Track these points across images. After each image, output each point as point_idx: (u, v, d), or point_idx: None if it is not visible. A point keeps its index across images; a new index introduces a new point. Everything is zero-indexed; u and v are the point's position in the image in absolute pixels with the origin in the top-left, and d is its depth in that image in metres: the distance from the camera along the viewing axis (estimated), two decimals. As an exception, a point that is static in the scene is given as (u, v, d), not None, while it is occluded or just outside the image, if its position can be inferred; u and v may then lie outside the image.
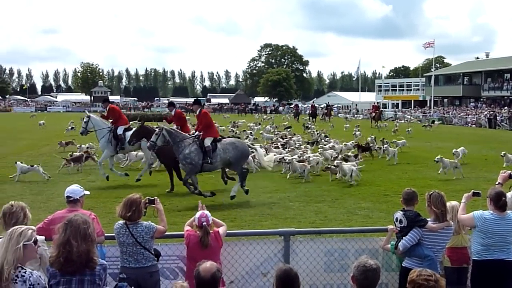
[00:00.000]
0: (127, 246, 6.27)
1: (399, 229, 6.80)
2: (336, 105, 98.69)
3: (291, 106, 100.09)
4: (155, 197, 6.89)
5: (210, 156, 15.45)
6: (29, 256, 4.61)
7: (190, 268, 6.39)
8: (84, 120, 20.03)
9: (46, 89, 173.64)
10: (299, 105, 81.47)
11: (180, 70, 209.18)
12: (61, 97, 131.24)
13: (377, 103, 70.69)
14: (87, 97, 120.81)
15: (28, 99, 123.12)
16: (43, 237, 5.46)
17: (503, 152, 22.95)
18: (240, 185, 15.96)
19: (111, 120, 19.83)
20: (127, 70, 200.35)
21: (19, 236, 4.48)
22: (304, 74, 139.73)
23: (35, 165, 19.72)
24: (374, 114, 54.96)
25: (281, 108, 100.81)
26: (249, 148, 17.48)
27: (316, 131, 38.18)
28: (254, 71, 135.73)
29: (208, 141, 15.61)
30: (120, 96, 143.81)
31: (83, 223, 4.70)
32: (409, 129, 42.32)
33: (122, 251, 6.34)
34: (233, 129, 41.57)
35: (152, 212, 7.03)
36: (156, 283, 6.45)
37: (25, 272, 4.49)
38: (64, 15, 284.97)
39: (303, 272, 6.99)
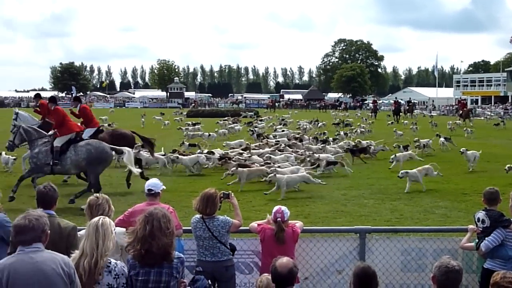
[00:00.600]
0: (203, 240, 6.37)
1: (481, 229, 6.57)
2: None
3: (365, 102, 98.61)
4: (230, 192, 6.97)
5: (57, 158, 14.23)
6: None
7: (265, 263, 6.42)
8: (13, 117, 17.53)
9: (125, 86, 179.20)
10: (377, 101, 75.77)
11: (254, 66, 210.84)
12: (139, 93, 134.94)
13: (463, 99, 67.38)
14: (163, 93, 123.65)
15: (108, 95, 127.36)
16: (124, 229, 5.61)
17: (462, 149, 21.61)
18: (80, 193, 14.37)
19: (81, 120, 17.50)
20: (201, 67, 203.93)
21: (110, 225, 4.64)
22: (379, 70, 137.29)
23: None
24: (461, 111, 52.05)
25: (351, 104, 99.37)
26: (110, 151, 14.85)
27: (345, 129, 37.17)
28: (328, 67, 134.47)
29: (58, 142, 14.44)
30: (195, 92, 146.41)
31: (163, 216, 4.80)
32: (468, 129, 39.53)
33: (199, 245, 6.45)
34: (280, 126, 40.07)
35: (228, 206, 7.10)
36: (231, 277, 6.52)
37: (110, 263, 4.64)
38: (142, 14, 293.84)
39: (378, 271, 6.84)
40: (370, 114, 61.47)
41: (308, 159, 19.94)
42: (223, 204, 6.99)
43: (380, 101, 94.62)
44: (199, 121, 45.25)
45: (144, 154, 19.55)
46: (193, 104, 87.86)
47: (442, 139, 28.11)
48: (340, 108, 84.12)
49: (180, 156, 20.22)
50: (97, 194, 5.78)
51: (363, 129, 35.92)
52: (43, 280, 4.04)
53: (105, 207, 5.52)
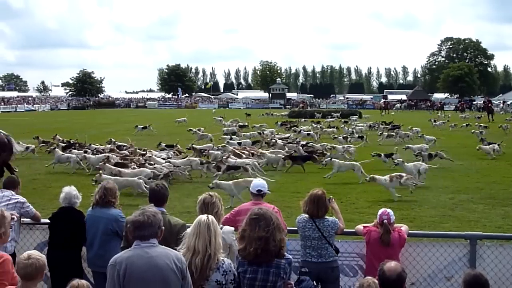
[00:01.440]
0: (311, 240, 6.38)
1: None
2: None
3: (473, 102, 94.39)
4: (331, 197, 6.93)
5: None
6: None
7: (370, 266, 6.34)
8: None
9: (228, 87, 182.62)
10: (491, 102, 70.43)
11: (356, 66, 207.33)
12: (242, 94, 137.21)
13: None
14: (266, 94, 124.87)
15: (212, 96, 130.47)
16: (233, 228, 5.72)
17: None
18: None
19: None
20: (304, 68, 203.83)
21: (218, 224, 4.77)
22: (489, 69, 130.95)
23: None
24: None
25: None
26: None
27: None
28: (434, 66, 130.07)
29: None
30: (297, 93, 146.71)
31: (272, 215, 4.87)
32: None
33: (306, 245, 6.45)
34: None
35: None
36: (336, 279, 6.49)
37: (218, 260, 4.76)
38: (244, 16, 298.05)
39: (490, 280, 6.53)
40: (482, 115, 58.96)
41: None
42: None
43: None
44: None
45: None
46: (301, 105, 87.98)
47: None
48: (433, 109, 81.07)
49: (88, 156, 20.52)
50: (211, 193, 5.90)
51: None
52: (157, 274, 4.21)
53: (218, 206, 5.66)
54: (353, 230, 6.94)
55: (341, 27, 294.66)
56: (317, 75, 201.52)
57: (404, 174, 15.91)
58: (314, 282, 5.84)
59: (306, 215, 6.49)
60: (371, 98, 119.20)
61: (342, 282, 6.84)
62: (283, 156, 21.54)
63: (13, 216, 6.48)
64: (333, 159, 19.52)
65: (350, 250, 7.02)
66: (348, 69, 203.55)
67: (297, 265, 6.60)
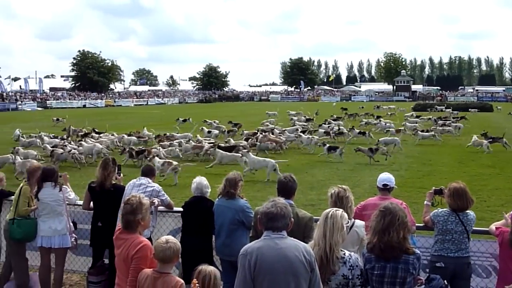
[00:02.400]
0: (453, 234, 6.17)
1: None
2: None
3: None
4: (442, 187, 6.70)
5: None
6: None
7: (502, 269, 6.03)
8: None
9: (350, 79, 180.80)
10: None
11: (487, 57, 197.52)
12: (365, 87, 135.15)
13: None
14: (390, 87, 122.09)
15: (334, 89, 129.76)
16: (363, 223, 5.68)
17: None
18: None
19: None
20: (430, 59, 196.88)
21: (341, 218, 4.75)
22: None
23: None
24: None
25: None
26: None
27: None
28: None
29: None
30: (423, 85, 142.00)
31: (400, 211, 4.79)
32: None
33: (445, 239, 6.22)
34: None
35: (440, 200, 6.80)
36: (470, 276, 6.26)
37: (344, 254, 4.74)
38: (367, 7, 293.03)
39: None
40: None
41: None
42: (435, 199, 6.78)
43: None
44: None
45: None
46: (439, 98, 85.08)
47: None
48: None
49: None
50: (344, 186, 5.88)
51: None
52: (287, 266, 4.26)
53: (352, 199, 5.66)
54: (486, 229, 6.61)
55: (470, 15, 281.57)
56: (444, 66, 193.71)
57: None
58: (445, 281, 5.64)
59: (447, 209, 6.29)
60: (503, 90, 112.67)
61: (474, 283, 6.56)
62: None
63: (153, 201, 6.87)
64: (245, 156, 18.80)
65: (483, 250, 6.72)
66: (478, 60, 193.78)
67: (425, 263, 6.42)
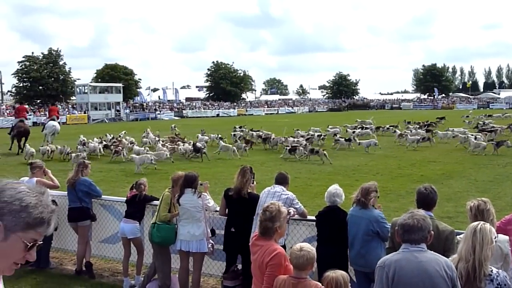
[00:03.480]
0: None
1: None
2: None
3: None
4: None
5: None
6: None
7: None
8: None
9: (489, 86, 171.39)
10: None
11: None
12: (504, 94, 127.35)
13: None
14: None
15: (471, 96, 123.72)
16: (507, 237, 5.35)
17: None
18: None
19: None
20: None
21: (490, 232, 4.48)
22: None
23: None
24: None
25: None
26: None
27: None
28: None
29: None
30: None
31: None
32: None
33: None
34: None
35: None
36: None
37: (492, 271, 4.47)
38: (506, 9, 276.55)
39: None
40: None
41: None
42: None
43: None
44: None
45: None
46: None
47: None
48: None
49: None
50: (484, 199, 5.63)
51: None
52: (426, 280, 4.10)
53: (493, 213, 5.41)
54: None
55: None
56: None
57: None
58: None
59: None
60: None
61: None
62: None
63: (290, 211, 6.95)
64: None
65: None
66: None
67: None
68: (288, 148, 25.42)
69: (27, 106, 46.80)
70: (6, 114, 60.88)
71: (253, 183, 8.19)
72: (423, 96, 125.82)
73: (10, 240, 2.04)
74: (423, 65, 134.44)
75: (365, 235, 6.68)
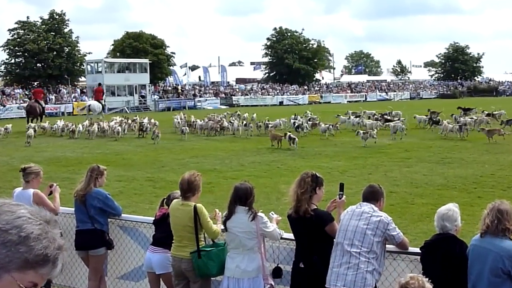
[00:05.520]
0: None
1: None
2: None
3: None
4: None
5: None
6: None
7: None
8: None
9: None
10: None
11: None
12: None
13: None
14: None
15: None
16: None
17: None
18: None
19: None
20: None
21: None
22: None
23: None
24: None
25: None
26: None
27: None
28: None
29: None
30: None
31: None
32: None
33: None
34: None
35: None
36: None
37: None
38: None
39: None
40: None
41: None
42: None
43: None
44: None
45: None
46: None
47: None
48: None
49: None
50: None
51: None
52: None
53: None
54: None
55: None
56: None
57: None
58: None
59: None
60: None
61: None
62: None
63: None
64: None
65: None
66: None
67: None
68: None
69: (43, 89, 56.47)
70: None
71: (340, 198, 8.14)
72: None
73: (1, 282, 1.97)
74: None
75: (492, 276, 6.56)
